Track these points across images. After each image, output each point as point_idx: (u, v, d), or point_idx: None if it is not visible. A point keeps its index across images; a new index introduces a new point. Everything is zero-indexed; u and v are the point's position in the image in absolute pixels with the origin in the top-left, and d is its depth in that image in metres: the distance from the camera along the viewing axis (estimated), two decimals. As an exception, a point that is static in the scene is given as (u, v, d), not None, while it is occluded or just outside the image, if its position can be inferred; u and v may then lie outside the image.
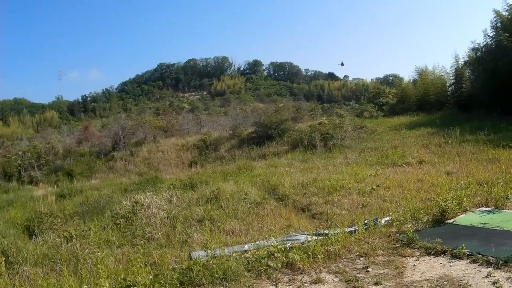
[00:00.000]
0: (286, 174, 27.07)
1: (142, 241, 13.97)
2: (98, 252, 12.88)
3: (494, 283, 8.50)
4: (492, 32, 45.30)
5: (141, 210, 19.83)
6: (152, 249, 13.74)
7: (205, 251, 11.36)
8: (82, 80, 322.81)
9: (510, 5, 43.95)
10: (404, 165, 26.29)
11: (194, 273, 9.94)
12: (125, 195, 27.00)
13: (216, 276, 9.84)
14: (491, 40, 45.68)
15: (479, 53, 48.26)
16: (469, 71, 51.68)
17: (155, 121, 67.78)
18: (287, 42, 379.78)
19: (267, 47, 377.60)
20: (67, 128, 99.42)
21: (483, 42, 47.59)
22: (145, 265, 10.51)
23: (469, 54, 51.26)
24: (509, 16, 43.65)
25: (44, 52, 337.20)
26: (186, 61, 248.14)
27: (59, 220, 20.26)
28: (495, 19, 44.98)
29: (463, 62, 52.54)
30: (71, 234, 16.53)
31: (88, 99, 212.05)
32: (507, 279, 8.57)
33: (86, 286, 9.62)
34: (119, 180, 40.51)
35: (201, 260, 10.43)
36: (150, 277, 9.71)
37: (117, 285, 9.71)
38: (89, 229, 17.25)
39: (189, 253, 12.54)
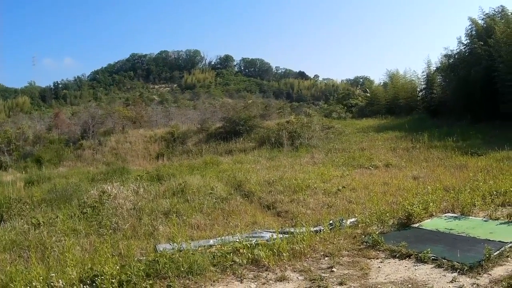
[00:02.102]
0: (252, 171, 27.26)
1: (108, 231, 14.01)
2: (65, 240, 12.93)
3: None
4: (466, 39, 45.87)
5: (108, 200, 19.72)
6: (118, 240, 13.61)
7: (170, 244, 11.37)
8: (55, 66, 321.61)
9: (486, 14, 44.47)
10: (371, 167, 26.33)
11: (161, 265, 9.93)
12: (92, 184, 27.00)
13: (182, 269, 9.83)
14: (465, 48, 46.28)
15: (452, 60, 48.88)
16: (441, 77, 52.14)
17: (124, 112, 67.86)
18: (260, 39, 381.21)
19: (239, 42, 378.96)
20: (38, 114, 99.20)
21: (456, 49, 48.32)
22: (112, 255, 10.46)
23: (441, 61, 51.87)
24: (485, 25, 44.00)
25: (19, 36, 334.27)
26: (159, 53, 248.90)
27: (28, 207, 20.25)
28: (470, 27, 45.51)
29: (435, 68, 52.97)
30: (39, 221, 16.58)
31: (60, 86, 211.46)
32: (472, 285, 8.59)
33: (53, 274, 9.51)
34: (86, 169, 40.74)
35: (167, 253, 10.43)
36: (117, 267, 9.63)
37: (84, 274, 9.70)
38: (57, 217, 17.22)
39: (155, 246, 12.54)
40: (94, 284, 9.13)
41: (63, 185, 26.82)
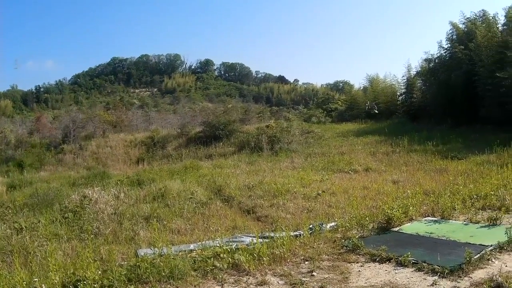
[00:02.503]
0: (232, 176, 27.21)
1: (90, 236, 13.66)
2: (47, 245, 12.95)
3: None
4: (447, 43, 46.37)
5: (89, 205, 19.66)
6: (99, 245, 13.60)
7: (151, 249, 11.36)
8: (37, 70, 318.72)
9: (468, 18, 44.82)
10: (350, 172, 26.42)
11: (142, 270, 9.89)
12: (73, 188, 26.93)
13: (163, 274, 9.80)
14: (445, 52, 46.81)
15: (432, 64, 49.43)
16: (421, 81, 52.94)
17: (105, 116, 67.86)
18: (240, 43, 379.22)
19: (220, 47, 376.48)
20: (20, 118, 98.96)
21: (437, 54, 48.85)
22: (94, 260, 10.39)
23: (421, 65, 52.60)
24: (466, 29, 44.45)
25: (1, 39, 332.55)
26: (139, 57, 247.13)
27: (10, 211, 20.21)
28: (451, 31, 46.14)
29: (415, 72, 53.70)
30: (21, 225, 16.53)
31: (42, 89, 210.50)
32: None
33: (37, 279, 9.54)
34: (67, 173, 40.62)
35: (149, 257, 10.40)
36: (99, 272, 9.61)
37: (66, 279, 9.64)
38: (39, 222, 17.13)
39: (136, 251, 12.50)
40: None
41: (45, 189, 26.59)
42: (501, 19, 41.57)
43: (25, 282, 9.34)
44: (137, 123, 71.29)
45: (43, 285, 9.22)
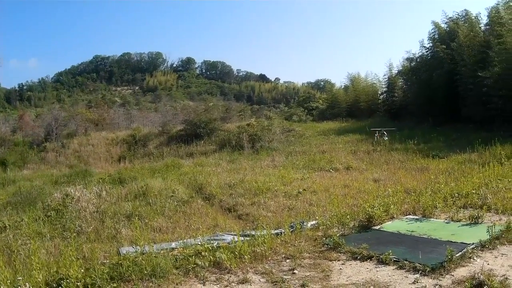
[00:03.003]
0: (213, 174, 27.31)
1: (72, 235, 13.85)
2: (30, 244, 12.72)
3: None
4: (429, 43, 46.48)
5: (71, 203, 19.73)
6: (82, 243, 13.58)
7: (133, 247, 11.34)
8: (20, 68, 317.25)
9: (450, 17, 44.93)
10: (331, 170, 26.52)
11: (124, 268, 9.83)
12: (56, 187, 26.87)
13: (145, 272, 9.75)
14: (427, 51, 46.99)
15: (413, 63, 49.80)
16: (402, 80, 53.17)
17: (87, 114, 68.02)
18: (222, 41, 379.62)
19: (201, 45, 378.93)
20: (2, 116, 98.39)
21: (418, 53, 49.08)
22: (76, 258, 10.30)
23: (403, 64, 52.99)
24: (448, 29, 44.60)
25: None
26: (121, 55, 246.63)
27: (-7, 210, 20.03)
28: (433, 31, 46.27)
29: (396, 71, 54.01)
30: (5, 224, 16.71)
31: (25, 87, 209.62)
32: (434, 286, 8.55)
33: (20, 278, 9.46)
34: (50, 172, 40.58)
35: (131, 256, 10.36)
36: (82, 271, 9.53)
37: (50, 277, 9.60)
38: (22, 220, 17.31)
39: (118, 249, 12.45)
40: (60, 287, 9.04)
41: (28, 188, 26.87)
42: (484, 19, 41.84)
43: (9, 281, 9.28)
44: (118, 121, 71.35)
45: (27, 283, 9.15)
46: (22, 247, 13.29)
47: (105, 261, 10.77)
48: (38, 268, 9.66)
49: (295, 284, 9.23)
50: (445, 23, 45.58)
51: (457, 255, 9.73)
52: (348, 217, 13.81)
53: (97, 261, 10.55)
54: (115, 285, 9.26)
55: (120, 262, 10.15)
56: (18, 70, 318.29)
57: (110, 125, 68.32)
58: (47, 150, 53.98)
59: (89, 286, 9.08)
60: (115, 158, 50.95)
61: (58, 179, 32.85)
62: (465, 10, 43.91)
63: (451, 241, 10.97)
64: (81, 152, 53.70)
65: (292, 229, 13.27)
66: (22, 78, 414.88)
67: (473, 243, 10.55)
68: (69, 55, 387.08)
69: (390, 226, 13.36)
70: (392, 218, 14.23)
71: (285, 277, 9.68)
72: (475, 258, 9.87)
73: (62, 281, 9.12)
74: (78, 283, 8.96)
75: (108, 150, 54.44)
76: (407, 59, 51.42)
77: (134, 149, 52.82)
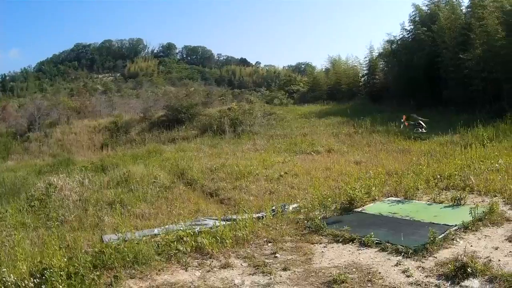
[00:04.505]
0: (195, 159, 27.26)
1: (56, 224, 13.88)
2: (15, 234, 12.83)
3: (404, 271, 8.51)
4: (410, 25, 46.57)
5: (54, 192, 19.78)
6: (65, 232, 13.63)
7: (116, 234, 11.37)
8: (2, 58, 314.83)
9: (431, 0, 45.02)
10: (312, 153, 26.64)
11: (107, 256, 9.81)
12: (39, 177, 26.76)
13: (128, 259, 9.73)
14: (408, 34, 47.09)
15: (394, 45, 49.82)
16: (383, 63, 53.15)
17: (69, 102, 67.99)
18: (202, 26, 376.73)
19: (182, 30, 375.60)
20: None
21: (399, 35, 49.12)
22: (59, 248, 10.39)
23: (384, 46, 53.03)
24: (429, 11, 44.55)
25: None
26: (102, 42, 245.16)
27: (-22, 201, 20.12)
28: (414, 13, 46.06)
29: (377, 54, 54.02)
30: None
31: (7, 78, 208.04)
32: (417, 268, 8.58)
33: (5, 269, 9.40)
34: (33, 162, 40.15)
35: (113, 243, 10.38)
36: (65, 260, 9.56)
37: (34, 268, 9.59)
38: (6, 211, 17.32)
39: (101, 236, 12.51)
40: (43, 277, 8.95)
41: (12, 179, 26.70)
42: (465, 2, 42.33)
43: (-7, 273, 9.28)
44: (100, 109, 70.74)
45: (11, 275, 9.12)
46: (6, 238, 13.30)
47: (88, 250, 10.72)
48: (22, 259, 9.70)
49: (277, 268, 9.24)
50: (426, 5, 45.59)
51: (439, 237, 9.75)
52: (329, 199, 13.80)
53: (80, 250, 10.56)
54: (98, 273, 9.17)
55: (102, 250, 10.12)
56: (1, 61, 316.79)
57: (92, 112, 67.70)
58: (31, 140, 53.57)
59: (72, 275, 8.95)
60: (98, 146, 50.62)
61: (41, 168, 32.75)
62: (446, -8, 43.85)
63: (434, 223, 11.00)
64: (64, 141, 53.35)
65: (273, 213, 13.29)
66: (4, 69, 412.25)
67: (455, 225, 10.58)
68: (50, 44, 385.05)
69: (372, 208, 13.40)
70: (374, 200, 14.27)
71: (267, 261, 9.69)
72: (458, 240, 9.90)
73: (45, 271, 9.03)
74: (61, 272, 8.87)
75: (90, 138, 54.14)
76: (388, 41, 51.43)
77: (116, 136, 52.45)
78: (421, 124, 22.42)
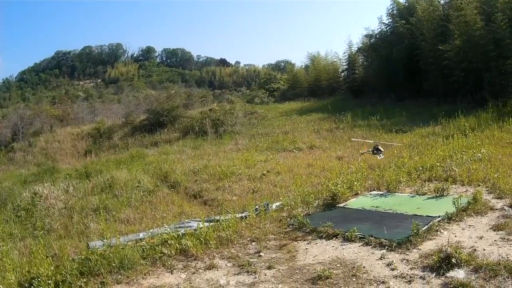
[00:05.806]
0: (177, 161, 27.34)
1: (42, 233, 13.87)
2: (2, 246, 12.80)
3: (388, 264, 8.55)
4: (388, 19, 46.85)
5: (40, 201, 19.90)
6: (52, 241, 13.66)
7: (101, 240, 11.25)
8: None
9: (408, -8, 44.71)
10: (294, 150, 26.72)
11: (93, 263, 9.85)
12: (25, 186, 26.76)
13: (114, 265, 9.76)
14: (386, 27, 47.46)
15: (373, 39, 49.94)
16: (363, 57, 53.25)
17: (51, 111, 68.01)
18: (180, 28, 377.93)
19: (160, 33, 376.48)
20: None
21: (378, 29, 49.35)
22: (46, 256, 10.36)
23: (362, 41, 53.03)
24: (406, 4, 44.85)
25: None
26: (82, 48, 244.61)
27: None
28: (391, 7, 46.38)
29: (356, 48, 54.00)
30: None
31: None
32: (401, 261, 8.61)
33: None
34: (18, 172, 40.01)
35: (99, 250, 10.37)
36: (52, 268, 9.59)
37: (22, 278, 9.75)
38: None
39: (87, 243, 12.32)
40: (32, 286, 9.05)
41: (-3, 189, 26.49)
42: (443, -7, 41.91)
43: (-18, 285, 9.24)
44: (82, 116, 70.96)
45: (0, 286, 9.21)
46: (-5, 249, 13.31)
47: (75, 257, 10.72)
48: (10, 269, 9.74)
49: (261, 267, 9.30)
50: (404, -2, 45.74)
51: (423, 228, 9.81)
52: (312, 196, 13.85)
53: (67, 258, 10.54)
54: (85, 280, 9.31)
55: (88, 257, 10.14)
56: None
57: (74, 120, 67.96)
58: (15, 150, 53.48)
59: (60, 283, 9.09)
60: (82, 153, 50.64)
61: (26, 178, 32.78)
62: (424, -16, 43.96)
63: (417, 215, 11.08)
64: (48, 150, 53.17)
65: (256, 212, 13.28)
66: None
67: (439, 216, 10.63)
68: (31, 52, 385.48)
69: (354, 203, 13.48)
70: (356, 194, 14.40)
71: (251, 260, 9.73)
72: (441, 231, 9.95)
73: (34, 280, 9.16)
74: (49, 281, 9.00)
75: (74, 145, 54.13)
76: (366, 35, 51.57)
77: (99, 142, 52.46)
78: (380, 150, 22.48)
